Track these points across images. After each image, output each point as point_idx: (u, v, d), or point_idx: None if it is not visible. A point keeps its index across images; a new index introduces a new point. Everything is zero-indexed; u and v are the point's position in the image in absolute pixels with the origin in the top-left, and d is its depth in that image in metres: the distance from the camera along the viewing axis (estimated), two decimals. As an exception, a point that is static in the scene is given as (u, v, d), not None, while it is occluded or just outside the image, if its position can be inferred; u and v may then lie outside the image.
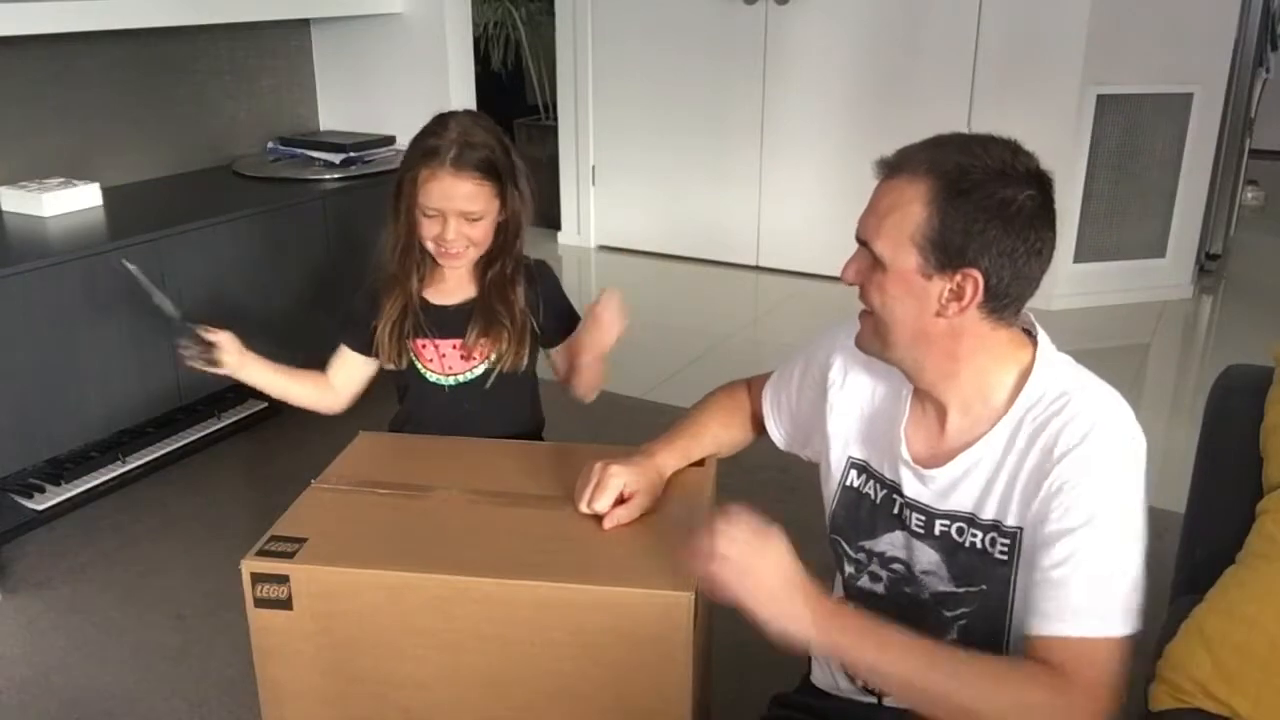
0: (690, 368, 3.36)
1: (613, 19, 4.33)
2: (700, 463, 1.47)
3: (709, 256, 4.44)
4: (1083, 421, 1.08)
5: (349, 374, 1.77)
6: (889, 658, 1.08)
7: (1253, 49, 3.92)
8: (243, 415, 2.85)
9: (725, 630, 1.70)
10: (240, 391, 2.87)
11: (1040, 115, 3.63)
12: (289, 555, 1.24)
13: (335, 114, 3.42)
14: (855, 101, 3.99)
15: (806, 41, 4.01)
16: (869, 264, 1.13)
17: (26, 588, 2.18)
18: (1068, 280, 3.83)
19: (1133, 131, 3.73)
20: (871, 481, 1.26)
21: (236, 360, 1.69)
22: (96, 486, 2.50)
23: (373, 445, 1.58)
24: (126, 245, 2.35)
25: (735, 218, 4.35)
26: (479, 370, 1.72)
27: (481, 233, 1.65)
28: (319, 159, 3.06)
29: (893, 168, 1.12)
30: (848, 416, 1.29)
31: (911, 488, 1.20)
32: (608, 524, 1.31)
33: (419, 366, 1.73)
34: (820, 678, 1.36)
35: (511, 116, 5.14)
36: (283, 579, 1.23)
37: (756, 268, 4.37)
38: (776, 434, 1.45)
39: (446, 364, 1.72)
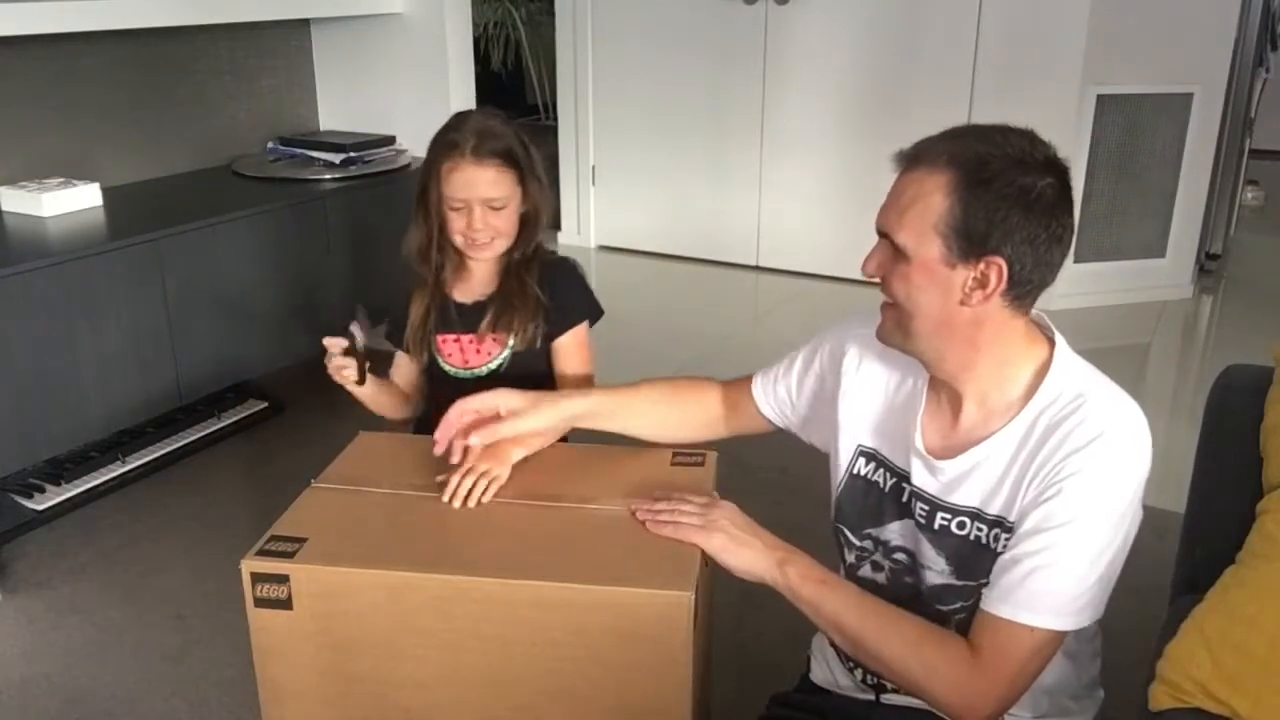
0: (690, 368, 3.35)
1: (613, 19, 4.33)
2: (701, 462, 1.47)
3: (709, 256, 4.44)
4: (1093, 425, 1.09)
5: (406, 377, 1.85)
6: (831, 601, 1.18)
7: (1253, 49, 3.92)
8: (243, 415, 2.85)
9: (725, 630, 1.70)
10: (240, 391, 2.88)
11: (1040, 115, 3.57)
12: (289, 555, 1.24)
13: (335, 114, 3.42)
14: (855, 102, 3.99)
15: (806, 41, 4.01)
16: (890, 256, 1.13)
17: (26, 588, 2.18)
18: (1068, 280, 3.81)
19: (1133, 131, 3.73)
20: (881, 470, 1.27)
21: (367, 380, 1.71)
22: (96, 486, 2.50)
23: (373, 445, 1.58)
24: (126, 245, 2.35)
25: (735, 218, 4.35)
26: (496, 362, 1.75)
27: (505, 222, 1.69)
28: (319, 159, 3.06)
29: (912, 160, 1.13)
30: (861, 404, 1.30)
31: (920, 477, 1.21)
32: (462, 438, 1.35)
33: (440, 361, 1.77)
34: (819, 675, 1.36)
35: (512, 116, 5.14)
36: (283, 579, 1.23)
37: (756, 268, 4.37)
38: (771, 410, 1.44)
39: (466, 357, 1.75)
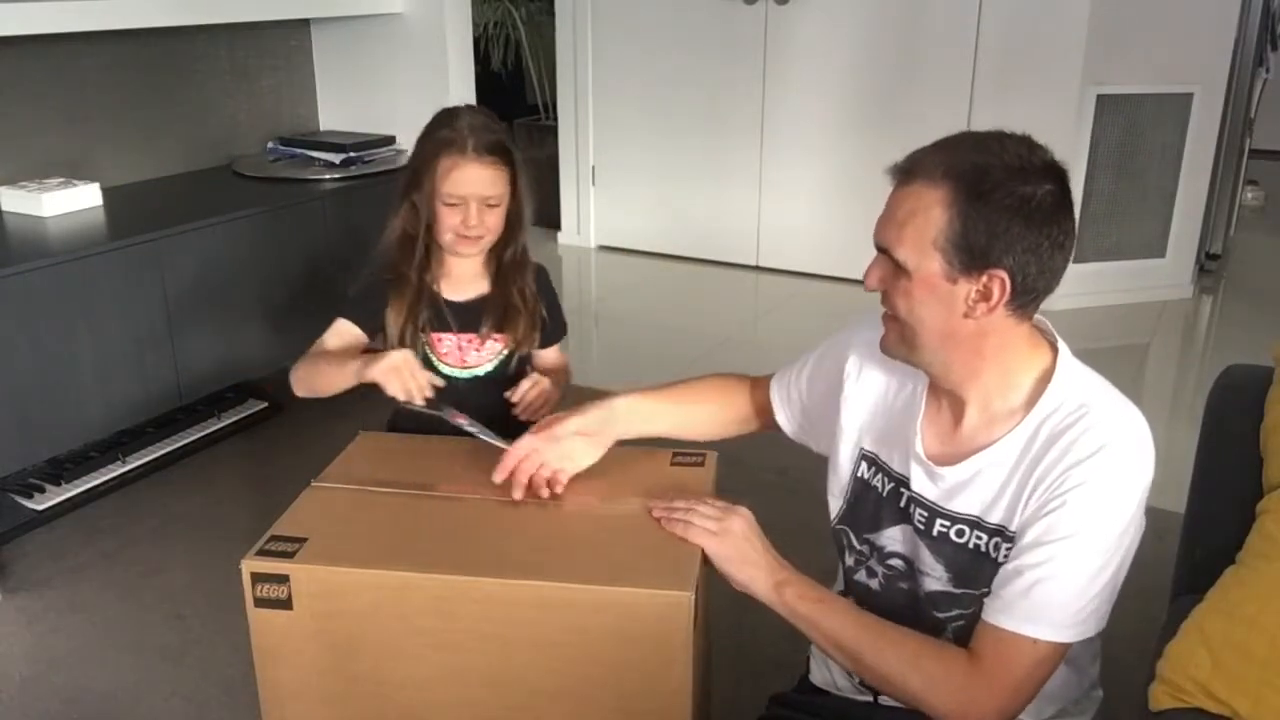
0: (690, 368, 3.33)
1: (613, 19, 4.33)
2: (701, 463, 1.47)
3: (709, 256, 4.44)
4: (1097, 436, 1.08)
5: (343, 345, 1.74)
6: (828, 620, 1.19)
7: (1253, 49, 3.92)
8: (243, 415, 2.85)
9: (725, 630, 1.70)
10: (240, 391, 2.88)
11: (1040, 115, 3.62)
12: (289, 555, 1.24)
13: (335, 114, 3.42)
14: (855, 102, 3.99)
15: (806, 41, 4.01)
16: (891, 270, 1.12)
17: (26, 588, 2.18)
18: (1068, 280, 3.74)
19: (1133, 131, 3.73)
20: (880, 474, 1.27)
21: None
22: (96, 486, 2.50)
23: (373, 445, 1.58)
24: (126, 245, 2.35)
25: (735, 218, 4.35)
26: (494, 363, 1.75)
27: (497, 219, 1.69)
28: (319, 159, 3.06)
29: (907, 173, 1.11)
30: (862, 409, 1.29)
31: (919, 483, 1.20)
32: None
33: (434, 360, 1.74)
34: (818, 676, 1.36)
35: (511, 116, 5.14)
36: (283, 579, 1.23)
37: (756, 268, 4.37)
38: (787, 423, 1.45)
39: (464, 357, 1.74)
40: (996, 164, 1.06)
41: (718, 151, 4.30)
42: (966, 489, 1.16)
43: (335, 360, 1.65)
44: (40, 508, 2.40)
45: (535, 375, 1.70)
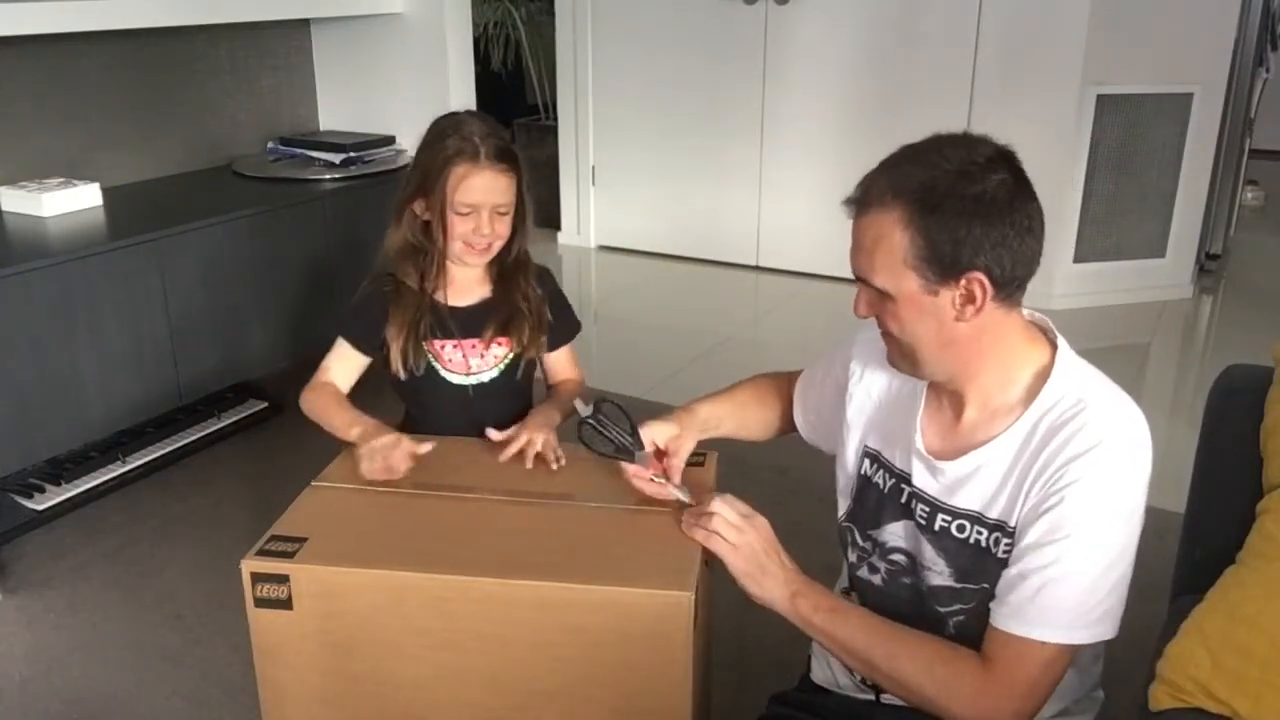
0: (690, 368, 3.35)
1: (613, 19, 4.33)
2: (701, 463, 1.47)
3: (709, 256, 4.44)
4: (1092, 433, 1.09)
5: (347, 371, 1.76)
6: (842, 629, 1.19)
7: (1253, 49, 3.92)
8: (243, 415, 2.85)
9: (725, 630, 1.70)
10: (240, 391, 2.88)
11: (1040, 115, 3.63)
12: (289, 555, 1.24)
13: (335, 114, 3.42)
14: (855, 101, 3.99)
15: (806, 41, 4.01)
16: (876, 297, 1.14)
17: (26, 588, 2.18)
18: (1068, 280, 3.83)
19: (1133, 131, 3.73)
20: (882, 471, 1.27)
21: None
22: (96, 486, 2.50)
23: (373, 445, 1.58)
24: (126, 245, 2.35)
25: (735, 218, 4.35)
26: (500, 369, 1.74)
27: (506, 226, 1.69)
28: (319, 159, 3.06)
29: (861, 203, 1.13)
30: (865, 407, 1.31)
31: (921, 478, 1.21)
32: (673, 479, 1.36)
33: (438, 368, 1.73)
34: (819, 674, 1.36)
35: (511, 116, 5.14)
36: (283, 579, 1.23)
37: (756, 268, 4.37)
38: (802, 425, 1.47)
39: (468, 364, 1.73)
40: (939, 174, 1.07)
41: (718, 151, 4.30)
42: (967, 484, 1.17)
43: (339, 417, 1.62)
44: (40, 508, 2.40)
45: (529, 428, 1.57)
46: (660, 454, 1.38)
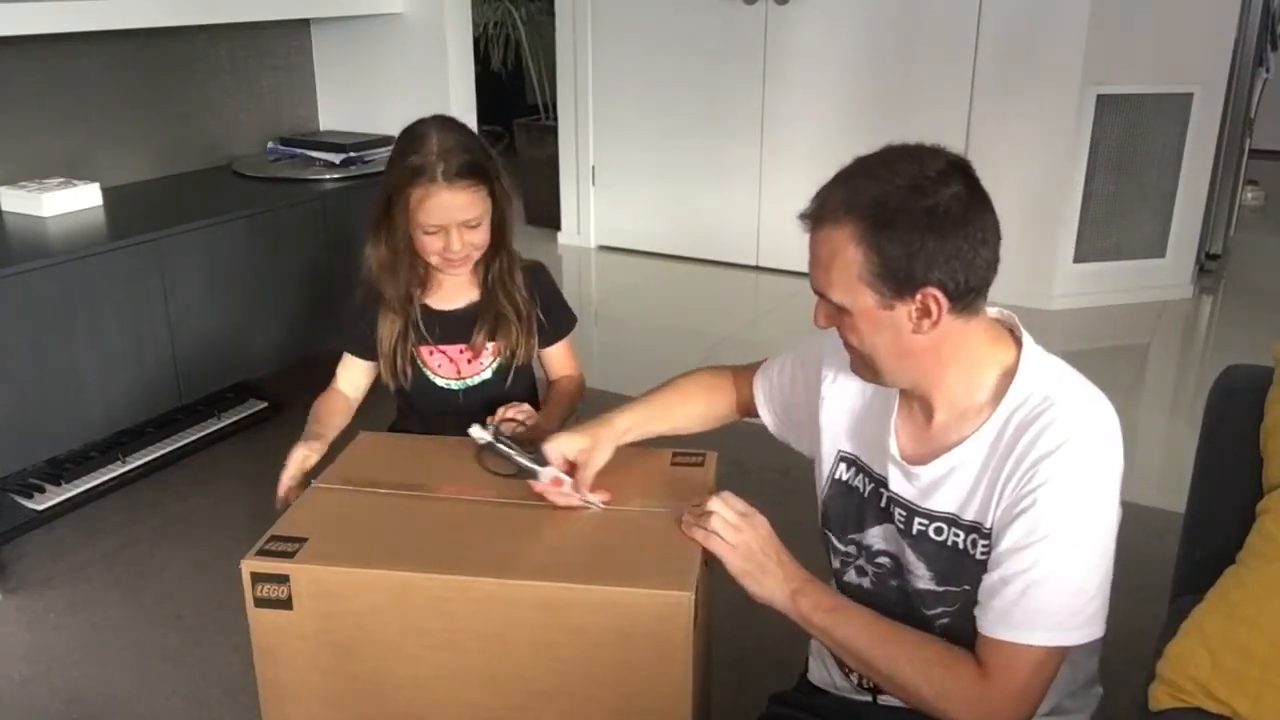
0: (690, 368, 3.35)
1: (613, 19, 4.33)
2: (700, 463, 1.47)
3: (709, 256, 4.44)
4: (1060, 430, 1.08)
5: (355, 379, 1.80)
6: (842, 628, 1.19)
7: (1253, 49, 3.92)
8: (243, 415, 2.85)
9: (725, 630, 1.70)
10: (240, 391, 2.88)
11: (1040, 115, 3.63)
12: (289, 555, 1.24)
13: (335, 114, 3.42)
14: (855, 101, 3.99)
15: (806, 41, 4.01)
16: (834, 310, 1.15)
17: (26, 588, 2.18)
18: (1068, 280, 3.83)
19: (1133, 131, 3.73)
20: (861, 475, 1.28)
21: None
22: (96, 486, 2.50)
23: (373, 445, 1.58)
24: (126, 245, 2.35)
25: (735, 218, 4.35)
26: (490, 372, 1.74)
27: (482, 236, 1.67)
28: (319, 159, 3.06)
29: (815, 218, 1.14)
30: (839, 411, 1.31)
31: (897, 483, 1.21)
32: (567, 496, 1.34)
33: (428, 374, 1.73)
34: (817, 676, 1.36)
35: (511, 116, 5.14)
36: (283, 579, 1.23)
37: (756, 268, 4.37)
38: (768, 419, 1.47)
39: (457, 368, 1.72)
40: (891, 189, 1.07)
41: (718, 151, 4.30)
42: (941, 486, 1.17)
43: (306, 427, 1.72)
44: (40, 508, 2.40)
45: (524, 405, 1.64)
46: (571, 467, 1.37)
